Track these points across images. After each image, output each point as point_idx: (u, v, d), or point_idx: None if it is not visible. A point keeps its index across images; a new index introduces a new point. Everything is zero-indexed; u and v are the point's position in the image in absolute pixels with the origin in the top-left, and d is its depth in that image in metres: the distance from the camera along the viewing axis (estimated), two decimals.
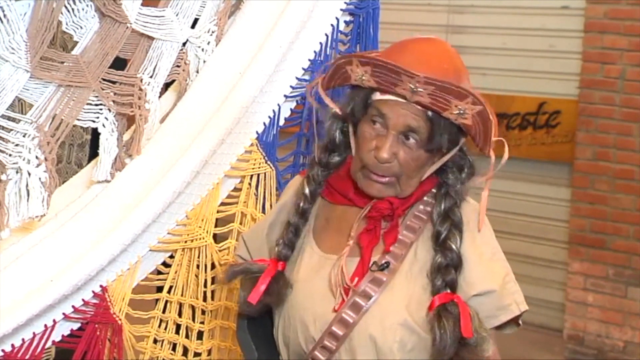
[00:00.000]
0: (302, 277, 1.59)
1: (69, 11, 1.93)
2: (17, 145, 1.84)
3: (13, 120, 1.86)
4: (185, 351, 2.12)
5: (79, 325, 1.93)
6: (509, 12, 5.26)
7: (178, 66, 2.10)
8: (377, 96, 1.53)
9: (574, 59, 4.98)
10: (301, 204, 1.63)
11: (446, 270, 1.52)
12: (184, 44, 2.11)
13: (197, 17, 2.12)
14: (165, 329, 2.08)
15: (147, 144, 2.03)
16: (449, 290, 1.51)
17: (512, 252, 5.51)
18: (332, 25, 2.24)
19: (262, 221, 1.76)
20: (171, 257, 2.05)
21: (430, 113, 1.49)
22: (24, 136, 1.85)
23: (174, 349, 2.10)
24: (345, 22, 2.28)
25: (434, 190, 1.60)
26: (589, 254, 4.89)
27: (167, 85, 2.17)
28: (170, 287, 2.06)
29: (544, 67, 5.13)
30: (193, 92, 2.11)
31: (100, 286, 1.93)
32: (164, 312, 2.07)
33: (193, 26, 2.12)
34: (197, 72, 2.14)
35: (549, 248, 5.18)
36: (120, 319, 1.95)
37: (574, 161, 4.96)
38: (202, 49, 2.14)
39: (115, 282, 1.96)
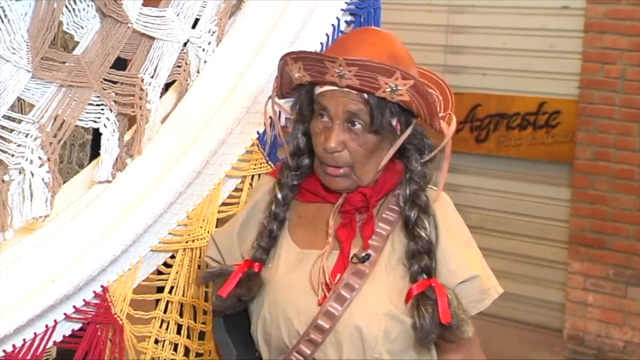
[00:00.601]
0: (282, 273, 1.60)
1: (70, 11, 1.93)
2: (19, 145, 1.83)
3: (15, 120, 1.85)
4: (187, 351, 2.12)
5: (80, 325, 1.93)
6: (509, 12, 5.27)
7: (179, 66, 2.10)
8: (317, 90, 1.56)
9: (574, 59, 4.98)
10: (274, 209, 1.64)
11: (420, 256, 1.55)
12: (184, 44, 2.11)
13: (198, 17, 2.12)
14: (167, 329, 2.08)
15: (148, 144, 2.03)
16: (425, 276, 1.53)
17: (512, 252, 5.57)
18: (333, 25, 2.23)
19: (232, 221, 1.76)
20: (172, 257, 2.05)
21: (366, 95, 1.51)
22: (26, 136, 1.84)
23: (175, 349, 2.10)
24: (346, 22, 2.28)
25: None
26: (589, 254, 4.89)
27: (167, 86, 2.16)
28: (172, 288, 2.06)
29: (544, 67, 5.13)
30: (194, 92, 2.11)
31: (102, 286, 1.93)
32: (165, 312, 2.07)
33: (194, 26, 2.12)
34: (198, 72, 2.14)
35: (549, 248, 5.18)
36: (121, 319, 1.95)
37: (574, 161, 4.96)
38: (203, 49, 2.13)
39: (116, 282, 1.95)
